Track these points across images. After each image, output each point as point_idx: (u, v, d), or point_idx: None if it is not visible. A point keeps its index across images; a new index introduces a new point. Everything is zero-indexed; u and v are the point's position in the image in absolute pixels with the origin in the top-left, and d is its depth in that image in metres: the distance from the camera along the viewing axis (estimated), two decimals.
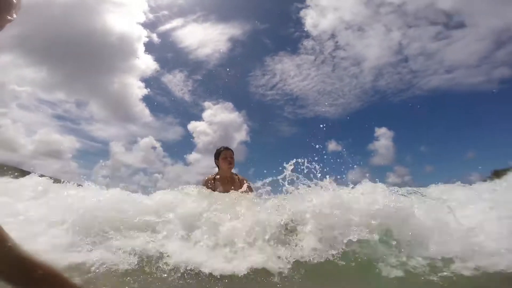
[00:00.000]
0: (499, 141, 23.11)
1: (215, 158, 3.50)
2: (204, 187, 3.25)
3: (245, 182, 3.41)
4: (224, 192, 3.08)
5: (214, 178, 3.39)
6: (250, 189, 3.24)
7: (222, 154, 3.42)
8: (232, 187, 3.13)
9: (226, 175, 3.40)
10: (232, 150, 3.52)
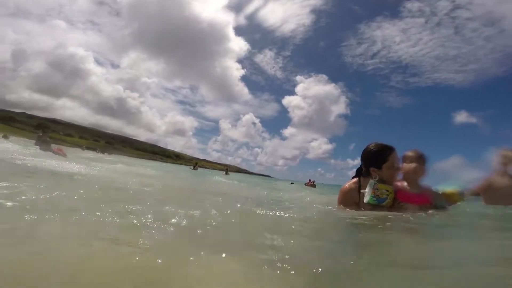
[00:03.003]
0: None
1: (371, 165, 2.08)
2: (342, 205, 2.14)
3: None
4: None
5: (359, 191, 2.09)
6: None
7: (391, 160, 2.05)
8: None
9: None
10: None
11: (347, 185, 2.19)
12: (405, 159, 2.21)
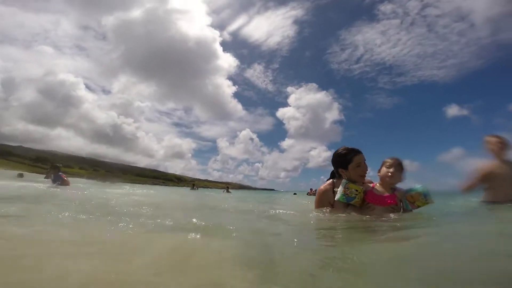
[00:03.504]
0: None
1: (339, 166, 2.33)
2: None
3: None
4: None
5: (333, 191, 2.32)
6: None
7: (355, 161, 2.27)
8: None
9: None
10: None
11: (322, 187, 2.42)
12: (384, 164, 2.37)
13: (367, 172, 2.31)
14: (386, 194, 2.29)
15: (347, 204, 2.26)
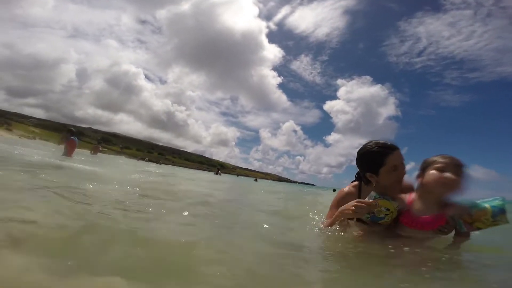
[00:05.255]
0: None
1: (367, 170, 1.72)
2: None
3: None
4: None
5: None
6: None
7: (391, 162, 1.63)
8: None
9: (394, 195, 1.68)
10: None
11: (346, 188, 1.88)
12: (431, 164, 1.57)
13: (404, 175, 1.68)
14: (430, 215, 1.54)
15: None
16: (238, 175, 24.71)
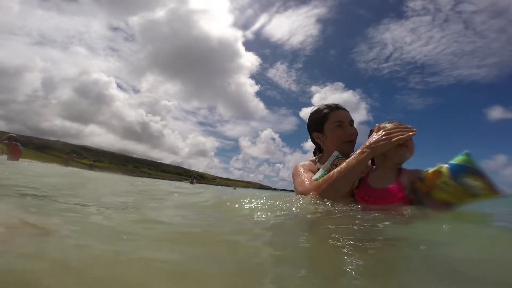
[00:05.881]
0: None
1: (313, 130, 1.65)
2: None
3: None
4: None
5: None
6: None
7: (333, 117, 1.55)
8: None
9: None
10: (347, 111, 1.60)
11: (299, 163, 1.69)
12: (376, 130, 1.37)
13: (356, 137, 1.55)
14: (390, 185, 1.29)
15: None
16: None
